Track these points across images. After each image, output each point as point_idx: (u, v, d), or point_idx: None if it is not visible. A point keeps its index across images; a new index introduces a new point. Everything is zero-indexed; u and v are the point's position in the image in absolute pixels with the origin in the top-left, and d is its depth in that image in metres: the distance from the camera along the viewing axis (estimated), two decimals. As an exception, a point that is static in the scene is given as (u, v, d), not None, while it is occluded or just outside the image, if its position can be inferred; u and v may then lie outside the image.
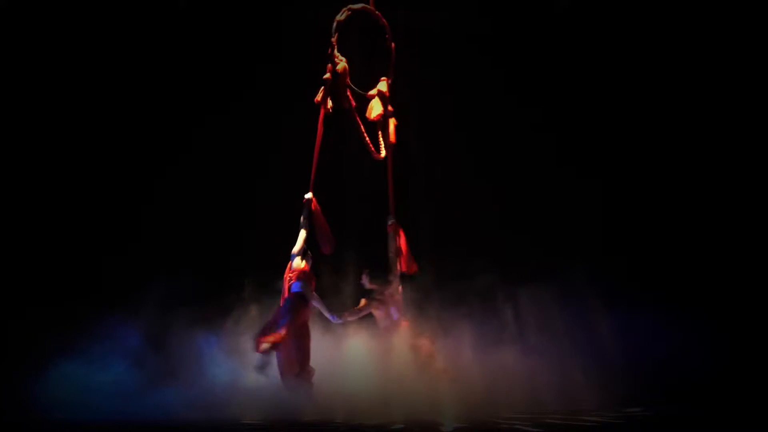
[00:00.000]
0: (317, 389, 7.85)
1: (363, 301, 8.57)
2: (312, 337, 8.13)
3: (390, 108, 8.84)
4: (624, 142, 10.38)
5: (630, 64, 10.42)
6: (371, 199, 9.35)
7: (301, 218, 8.34)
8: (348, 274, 8.96)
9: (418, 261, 8.84)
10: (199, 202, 10.10)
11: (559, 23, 10.32)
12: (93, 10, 9.94)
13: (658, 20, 10.20)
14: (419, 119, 9.72)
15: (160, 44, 10.11)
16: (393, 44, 8.92)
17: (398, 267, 8.64)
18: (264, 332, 7.85)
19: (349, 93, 8.68)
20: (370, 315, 8.57)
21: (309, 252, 8.35)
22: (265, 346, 7.72)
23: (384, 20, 8.87)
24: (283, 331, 7.76)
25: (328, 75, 8.50)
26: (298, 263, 8.20)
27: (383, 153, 8.76)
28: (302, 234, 8.30)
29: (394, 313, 8.43)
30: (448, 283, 9.05)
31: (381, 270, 8.59)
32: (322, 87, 8.52)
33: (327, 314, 8.41)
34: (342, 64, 8.55)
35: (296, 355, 7.87)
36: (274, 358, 7.83)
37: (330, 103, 8.53)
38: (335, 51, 8.54)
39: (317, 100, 8.51)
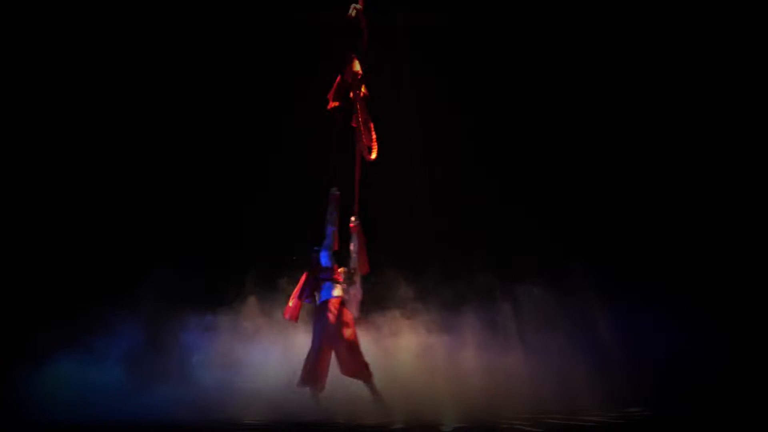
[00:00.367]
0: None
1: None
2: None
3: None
4: (628, 138, 10.35)
5: (633, 60, 10.39)
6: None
7: (328, 214, 8.12)
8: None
9: (415, 260, 8.83)
10: (199, 197, 10.09)
11: (566, 18, 10.30)
12: (93, 9, 9.92)
13: (665, 15, 10.18)
14: (419, 117, 9.71)
15: (160, 44, 10.09)
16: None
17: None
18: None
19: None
20: None
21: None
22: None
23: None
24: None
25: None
26: (328, 263, 8.12)
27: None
28: (334, 231, 8.14)
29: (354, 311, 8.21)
30: (448, 282, 9.04)
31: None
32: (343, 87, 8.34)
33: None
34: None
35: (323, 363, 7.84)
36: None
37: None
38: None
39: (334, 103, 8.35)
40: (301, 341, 8.37)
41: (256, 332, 8.82)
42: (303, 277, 8.06)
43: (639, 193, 10.29)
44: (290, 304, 7.97)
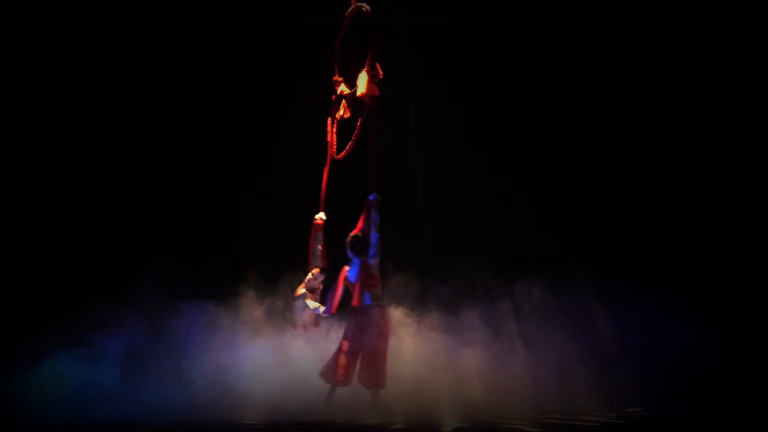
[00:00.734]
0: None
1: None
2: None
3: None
4: (630, 136, 10.34)
5: (634, 58, 10.38)
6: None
7: (370, 221, 8.08)
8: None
9: (415, 259, 8.82)
10: (198, 196, 10.09)
11: (566, 18, 10.29)
12: (93, 9, 9.91)
13: (666, 14, 10.18)
14: (419, 116, 9.71)
15: (160, 43, 10.09)
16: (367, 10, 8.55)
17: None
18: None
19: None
20: None
21: None
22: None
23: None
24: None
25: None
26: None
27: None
28: (379, 238, 8.05)
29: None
30: (447, 281, 9.02)
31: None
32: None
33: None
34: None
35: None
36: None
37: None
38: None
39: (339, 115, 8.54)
40: (300, 340, 8.39)
41: (255, 330, 8.78)
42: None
43: (640, 192, 10.28)
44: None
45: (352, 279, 7.94)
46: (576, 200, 10.12)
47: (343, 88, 8.66)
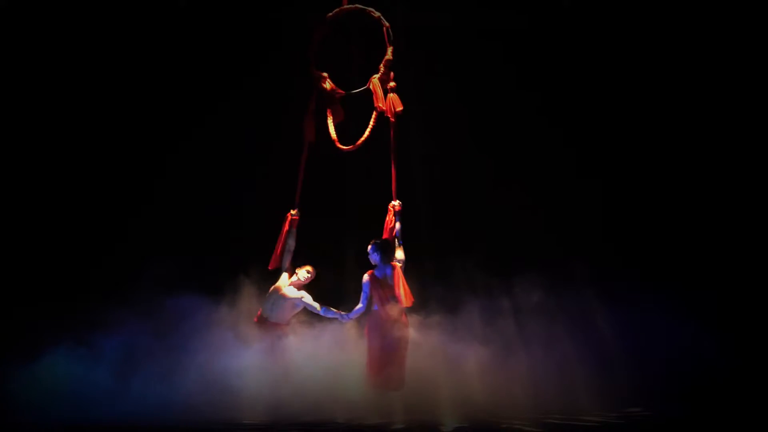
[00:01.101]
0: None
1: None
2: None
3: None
4: (629, 132, 10.33)
5: (634, 58, 10.36)
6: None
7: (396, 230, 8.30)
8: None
9: (414, 259, 8.83)
10: (198, 196, 10.07)
11: (567, 19, 10.28)
12: (93, 9, 9.92)
13: (668, 14, 10.18)
14: (418, 114, 9.70)
15: (159, 43, 10.08)
16: (386, 25, 8.76)
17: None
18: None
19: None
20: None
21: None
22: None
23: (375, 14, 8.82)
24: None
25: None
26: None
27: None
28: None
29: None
30: (447, 280, 9.02)
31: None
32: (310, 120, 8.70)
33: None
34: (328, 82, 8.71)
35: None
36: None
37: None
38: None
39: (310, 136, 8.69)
40: (300, 339, 8.40)
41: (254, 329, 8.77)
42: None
43: (641, 192, 10.27)
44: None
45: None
46: (576, 200, 10.09)
47: (332, 85, 8.71)
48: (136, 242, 9.74)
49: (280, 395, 7.85)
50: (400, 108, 8.53)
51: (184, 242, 9.70)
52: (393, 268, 8.06)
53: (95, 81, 10.06)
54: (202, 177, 10.10)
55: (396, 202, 8.42)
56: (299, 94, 8.89)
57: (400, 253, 8.23)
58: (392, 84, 8.63)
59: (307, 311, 8.45)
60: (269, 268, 8.51)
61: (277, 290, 8.42)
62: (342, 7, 8.85)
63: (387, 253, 8.13)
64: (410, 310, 8.19)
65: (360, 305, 8.15)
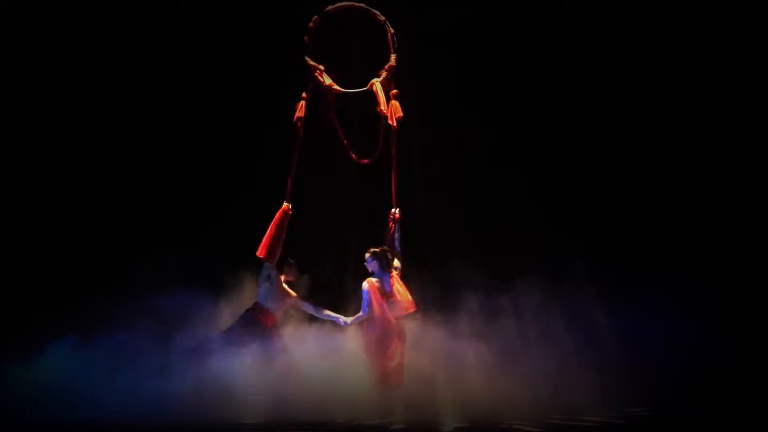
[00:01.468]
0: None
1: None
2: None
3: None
4: (630, 129, 10.32)
5: (634, 57, 10.36)
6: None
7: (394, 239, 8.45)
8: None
9: (414, 258, 8.84)
10: (190, 194, 10.08)
11: (567, 18, 10.26)
12: (85, 8, 9.92)
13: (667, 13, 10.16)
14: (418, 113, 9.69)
15: (150, 43, 10.10)
16: (391, 30, 8.77)
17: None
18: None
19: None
20: None
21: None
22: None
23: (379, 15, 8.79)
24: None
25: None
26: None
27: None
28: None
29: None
30: (446, 279, 9.01)
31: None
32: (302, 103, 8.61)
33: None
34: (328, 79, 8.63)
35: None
36: None
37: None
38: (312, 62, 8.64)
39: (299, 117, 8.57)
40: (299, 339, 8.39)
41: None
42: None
43: (641, 190, 10.26)
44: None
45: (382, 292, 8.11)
46: (576, 199, 10.10)
47: (330, 81, 8.64)
48: (132, 240, 9.76)
49: (279, 395, 7.84)
50: (400, 114, 8.50)
51: (183, 241, 9.71)
52: (390, 276, 8.12)
53: (95, 81, 10.10)
54: (199, 173, 10.13)
55: (395, 210, 8.41)
56: (297, 93, 8.86)
57: (396, 261, 8.28)
58: (394, 91, 8.60)
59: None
60: (258, 255, 8.35)
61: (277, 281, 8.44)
62: (348, 2, 8.78)
63: (384, 262, 8.16)
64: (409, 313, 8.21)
65: (361, 312, 8.17)
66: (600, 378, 8.25)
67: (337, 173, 9.74)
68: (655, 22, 10.24)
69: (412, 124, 9.22)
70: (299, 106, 8.64)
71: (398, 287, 8.10)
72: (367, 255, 8.24)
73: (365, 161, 8.68)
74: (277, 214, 8.42)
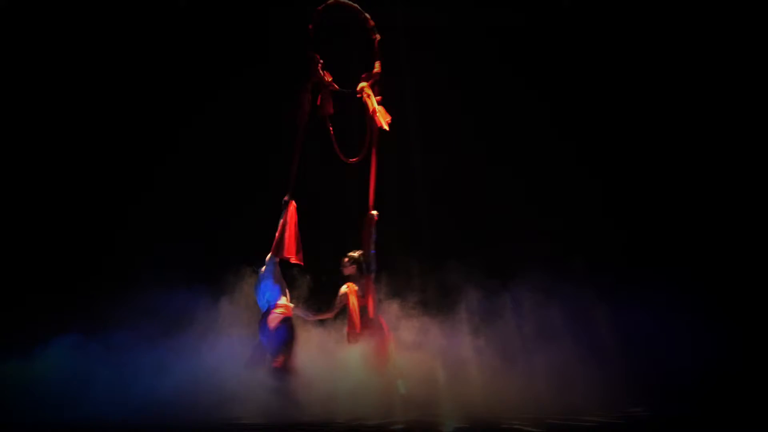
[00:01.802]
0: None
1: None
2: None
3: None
4: (629, 128, 10.33)
5: (634, 57, 10.37)
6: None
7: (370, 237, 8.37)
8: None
9: (413, 257, 8.82)
10: (198, 187, 10.08)
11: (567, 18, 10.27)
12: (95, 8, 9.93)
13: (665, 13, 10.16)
14: (418, 111, 9.69)
15: (160, 33, 10.10)
16: (377, 37, 8.68)
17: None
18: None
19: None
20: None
21: None
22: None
23: (364, 13, 8.70)
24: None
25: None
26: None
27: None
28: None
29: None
30: (446, 279, 9.01)
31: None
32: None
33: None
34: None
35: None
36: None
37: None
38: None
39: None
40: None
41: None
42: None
43: (641, 189, 10.27)
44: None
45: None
46: (576, 198, 10.10)
47: (329, 76, 8.58)
48: (132, 240, 9.76)
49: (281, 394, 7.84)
50: (389, 118, 8.44)
51: (185, 240, 9.71)
52: (366, 279, 8.21)
53: (95, 81, 10.13)
54: (199, 173, 10.14)
55: (374, 213, 8.40)
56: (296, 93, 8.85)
57: (372, 264, 8.31)
58: (378, 97, 8.55)
59: None
60: (286, 256, 8.24)
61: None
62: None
63: (362, 266, 8.26)
64: (409, 311, 8.20)
65: (330, 314, 8.33)
66: (600, 378, 8.25)
67: (334, 171, 9.71)
68: (655, 22, 10.24)
69: (411, 123, 9.25)
70: (303, 100, 8.55)
71: (371, 292, 8.22)
72: (345, 260, 8.35)
73: (353, 161, 8.61)
74: (290, 212, 8.34)
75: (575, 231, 9.96)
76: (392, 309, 8.65)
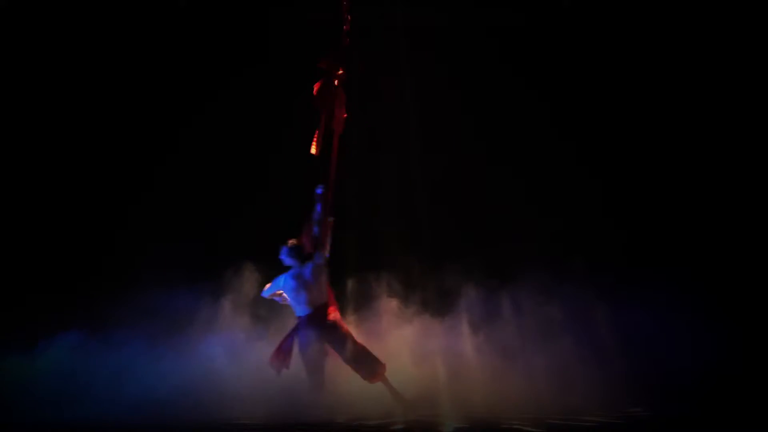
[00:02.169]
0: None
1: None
2: None
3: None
4: (630, 128, 10.33)
5: (634, 56, 10.38)
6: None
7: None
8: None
9: (413, 256, 8.82)
10: (198, 187, 10.09)
11: (567, 17, 10.27)
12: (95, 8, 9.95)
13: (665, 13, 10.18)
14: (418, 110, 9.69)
15: (158, 40, 10.09)
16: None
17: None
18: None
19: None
20: None
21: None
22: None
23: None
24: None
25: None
26: None
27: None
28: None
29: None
30: (446, 278, 9.01)
31: None
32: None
33: None
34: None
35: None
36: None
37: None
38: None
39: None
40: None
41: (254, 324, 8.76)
42: None
43: (641, 189, 10.27)
44: None
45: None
46: (576, 198, 10.10)
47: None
48: (132, 240, 9.76)
49: (279, 394, 7.84)
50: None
51: (186, 240, 9.72)
52: (311, 267, 7.90)
53: (95, 81, 10.13)
54: (199, 173, 10.15)
55: (330, 219, 8.08)
56: (296, 94, 8.85)
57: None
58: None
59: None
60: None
61: None
62: None
63: (299, 254, 7.92)
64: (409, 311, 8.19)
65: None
66: (600, 378, 8.25)
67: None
68: (655, 22, 10.24)
69: (411, 123, 9.26)
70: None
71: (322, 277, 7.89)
72: (282, 249, 7.99)
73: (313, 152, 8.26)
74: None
75: (575, 231, 9.91)
76: (392, 309, 8.66)
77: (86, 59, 10.13)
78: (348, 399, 7.73)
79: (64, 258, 9.79)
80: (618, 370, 8.44)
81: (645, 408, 8.05)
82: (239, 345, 8.54)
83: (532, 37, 10.36)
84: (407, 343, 8.33)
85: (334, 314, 7.82)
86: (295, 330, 7.80)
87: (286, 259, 7.96)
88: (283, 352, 7.72)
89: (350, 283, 8.83)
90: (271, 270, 8.35)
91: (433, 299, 8.90)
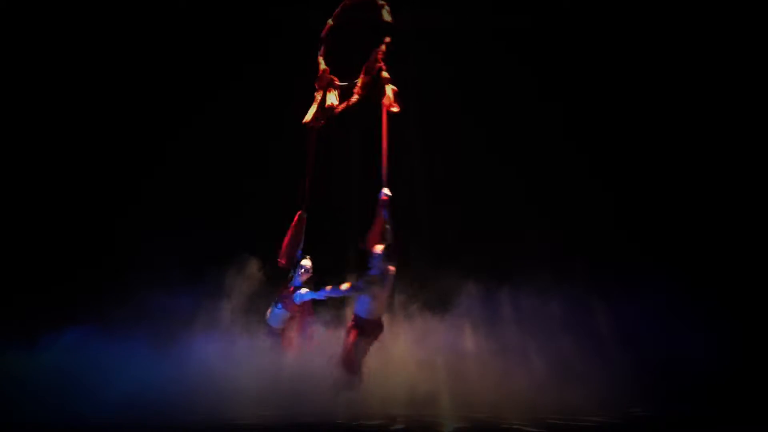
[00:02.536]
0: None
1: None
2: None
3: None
4: (630, 128, 10.34)
5: (634, 56, 10.38)
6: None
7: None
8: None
9: (412, 256, 8.81)
10: (197, 184, 10.09)
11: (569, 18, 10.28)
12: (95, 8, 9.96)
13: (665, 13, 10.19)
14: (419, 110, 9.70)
15: (157, 40, 10.10)
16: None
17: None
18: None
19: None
20: None
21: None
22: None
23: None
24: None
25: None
26: None
27: None
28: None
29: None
30: (445, 278, 9.02)
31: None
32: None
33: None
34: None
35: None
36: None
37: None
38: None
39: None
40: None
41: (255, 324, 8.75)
42: None
43: (641, 188, 10.27)
44: None
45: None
46: (576, 198, 10.11)
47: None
48: (132, 240, 9.77)
49: (279, 394, 7.84)
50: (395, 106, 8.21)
51: (181, 239, 9.72)
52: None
53: (97, 79, 10.13)
54: (199, 174, 10.15)
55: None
56: (296, 94, 8.85)
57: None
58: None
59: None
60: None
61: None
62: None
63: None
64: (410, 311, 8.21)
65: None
66: (600, 378, 8.26)
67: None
68: (655, 22, 10.24)
69: (415, 123, 9.27)
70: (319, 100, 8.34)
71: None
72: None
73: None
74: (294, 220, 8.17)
75: (575, 231, 9.92)
76: (393, 308, 8.66)
77: (86, 59, 10.12)
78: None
79: (64, 258, 9.78)
80: (618, 369, 8.45)
81: (645, 408, 8.06)
82: (239, 345, 8.52)
83: (534, 37, 10.36)
84: (407, 342, 8.31)
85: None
86: (361, 335, 7.68)
87: (377, 264, 7.64)
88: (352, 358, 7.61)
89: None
90: (271, 270, 8.38)
91: (434, 299, 8.89)
